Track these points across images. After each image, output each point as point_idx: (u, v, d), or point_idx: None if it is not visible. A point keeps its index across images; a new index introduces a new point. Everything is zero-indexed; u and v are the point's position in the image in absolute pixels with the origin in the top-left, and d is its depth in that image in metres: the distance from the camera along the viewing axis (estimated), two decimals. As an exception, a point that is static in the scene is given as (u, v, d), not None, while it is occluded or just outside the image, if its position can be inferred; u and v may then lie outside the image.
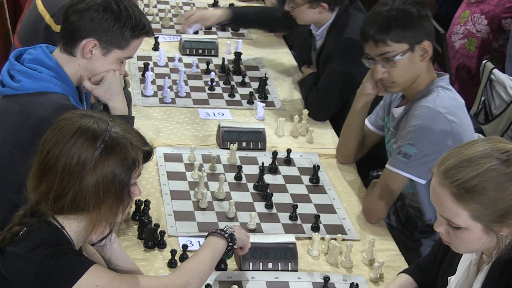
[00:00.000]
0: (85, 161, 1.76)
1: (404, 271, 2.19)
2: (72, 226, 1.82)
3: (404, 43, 2.47)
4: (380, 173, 2.67)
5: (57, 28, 2.95)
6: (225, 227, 2.12)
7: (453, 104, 2.48)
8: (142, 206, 2.40)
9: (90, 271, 1.75)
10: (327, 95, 3.14)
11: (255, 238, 2.27)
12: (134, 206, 2.38)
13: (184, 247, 2.26)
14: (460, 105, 2.52)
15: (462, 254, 1.96)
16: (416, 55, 2.48)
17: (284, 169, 2.81)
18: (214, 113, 3.15)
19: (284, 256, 2.26)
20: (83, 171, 1.76)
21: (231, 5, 3.92)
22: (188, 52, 3.61)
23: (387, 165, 2.52)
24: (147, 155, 1.88)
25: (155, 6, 4.11)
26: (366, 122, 2.83)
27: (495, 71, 3.58)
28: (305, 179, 2.76)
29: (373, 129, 2.82)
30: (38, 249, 1.74)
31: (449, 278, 1.98)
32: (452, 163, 1.78)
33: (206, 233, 2.26)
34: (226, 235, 2.09)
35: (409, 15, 2.45)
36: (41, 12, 3.03)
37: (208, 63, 3.48)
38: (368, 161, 2.92)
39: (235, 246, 2.11)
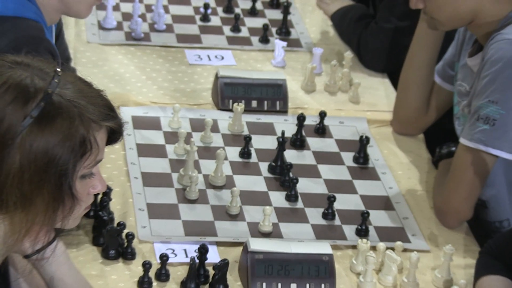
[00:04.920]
0: (6, 133, 1.74)
1: (488, 272, 2.26)
2: None
3: None
4: (453, 149, 2.71)
5: None
6: None
7: None
8: (100, 196, 2.41)
9: None
10: (395, 32, 3.18)
11: (271, 247, 2.28)
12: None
13: (163, 258, 2.25)
14: None
15: None
16: None
17: (315, 142, 2.83)
18: (209, 56, 3.17)
19: (315, 274, 2.28)
20: (3, 150, 1.75)
21: None
22: (169, -35, 3.69)
23: (461, 139, 2.56)
24: (113, 134, 1.87)
25: None
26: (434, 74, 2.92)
27: None
28: (348, 157, 2.79)
29: (442, 82, 2.87)
30: None
31: None
32: None
33: (196, 237, 2.35)
34: None
35: None
36: None
37: (200, -19, 3.55)
38: (443, 137, 2.93)
39: None
